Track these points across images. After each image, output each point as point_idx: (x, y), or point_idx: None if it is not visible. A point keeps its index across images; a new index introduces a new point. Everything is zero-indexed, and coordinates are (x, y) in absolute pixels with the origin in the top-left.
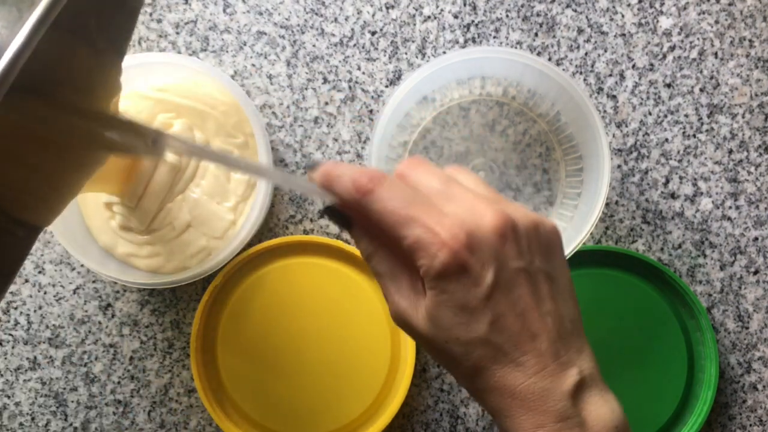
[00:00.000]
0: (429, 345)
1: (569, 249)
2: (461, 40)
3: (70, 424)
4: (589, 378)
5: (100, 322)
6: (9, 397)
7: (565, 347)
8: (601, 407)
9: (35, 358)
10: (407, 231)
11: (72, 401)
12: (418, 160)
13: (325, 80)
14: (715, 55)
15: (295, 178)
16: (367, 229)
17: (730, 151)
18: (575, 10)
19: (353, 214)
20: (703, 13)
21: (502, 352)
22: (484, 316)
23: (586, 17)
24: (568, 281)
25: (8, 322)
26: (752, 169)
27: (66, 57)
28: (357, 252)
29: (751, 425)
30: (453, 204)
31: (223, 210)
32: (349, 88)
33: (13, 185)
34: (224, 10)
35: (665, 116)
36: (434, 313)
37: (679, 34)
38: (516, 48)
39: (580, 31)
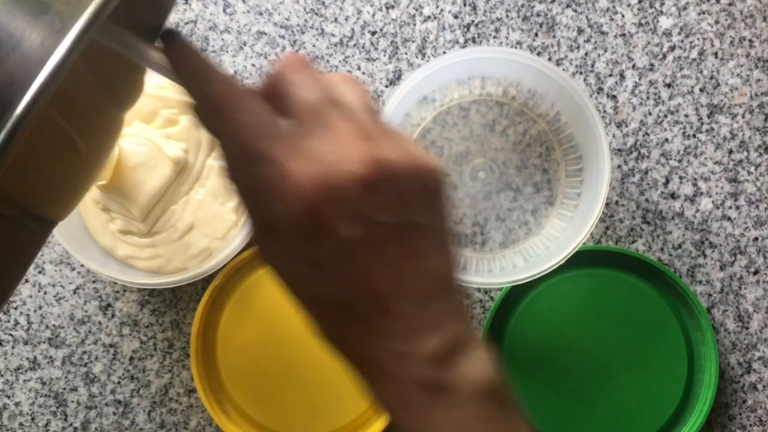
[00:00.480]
0: (286, 289)
1: (569, 249)
2: (461, 40)
3: (70, 424)
4: (461, 338)
5: (100, 322)
6: (9, 397)
7: (434, 308)
8: (474, 368)
9: (35, 358)
10: (258, 167)
11: (72, 401)
12: (301, 61)
13: None
14: (715, 55)
15: (146, 50)
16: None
17: (730, 151)
18: (575, 10)
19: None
20: (703, 13)
21: (359, 314)
22: (337, 273)
23: (586, 17)
24: (446, 232)
25: (8, 322)
26: (752, 169)
27: (93, 53)
28: None
29: (751, 425)
30: (319, 138)
31: (226, 211)
32: None
33: (31, 178)
34: (224, 10)
35: (665, 116)
36: (281, 261)
37: (679, 34)
38: (516, 48)
39: (580, 31)
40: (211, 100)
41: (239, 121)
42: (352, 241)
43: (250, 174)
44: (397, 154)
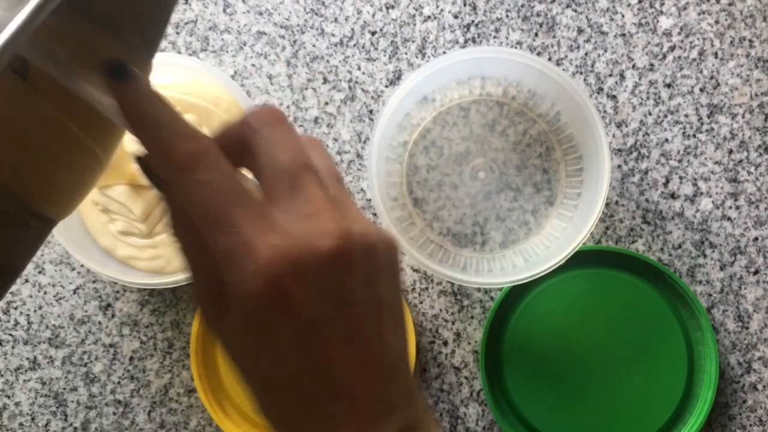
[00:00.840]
0: (232, 365)
1: (569, 249)
2: (461, 40)
3: (70, 424)
4: (417, 421)
5: (100, 322)
6: (9, 397)
7: (392, 388)
8: None
9: (35, 358)
10: (218, 235)
11: (72, 401)
12: (277, 117)
13: (325, 80)
14: (715, 55)
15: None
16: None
17: (730, 151)
18: (575, 10)
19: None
20: (703, 13)
21: (315, 398)
22: (296, 355)
23: (586, 17)
24: (401, 307)
25: (8, 322)
26: (752, 169)
27: (96, 50)
28: None
29: (751, 425)
30: (291, 207)
31: None
32: (349, 88)
33: (32, 175)
34: (224, 10)
35: (665, 116)
36: (231, 336)
37: (679, 34)
38: (516, 48)
39: (580, 31)
40: (174, 156)
41: (205, 183)
42: (316, 321)
43: (209, 240)
44: (363, 227)
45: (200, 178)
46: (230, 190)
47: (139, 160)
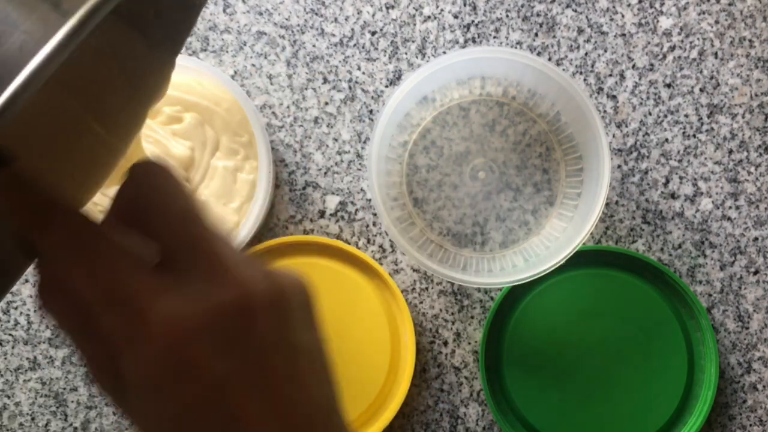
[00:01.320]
0: None
1: (569, 249)
2: (461, 40)
3: (70, 424)
4: None
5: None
6: (9, 397)
7: None
8: None
9: (35, 358)
10: (108, 308)
11: (72, 401)
12: (162, 174)
13: (325, 80)
14: (715, 55)
15: None
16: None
17: (730, 151)
18: (575, 10)
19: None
20: (703, 13)
21: None
22: (203, 420)
23: (586, 17)
24: (322, 349)
25: (8, 322)
26: (752, 169)
27: (120, 47)
28: (357, 253)
29: (751, 425)
30: (185, 273)
31: (228, 212)
32: (349, 88)
33: (49, 170)
34: (224, 10)
35: (665, 116)
36: (142, 413)
37: (679, 34)
38: (516, 48)
39: (580, 31)
40: (59, 240)
41: (97, 260)
42: (222, 379)
43: (98, 314)
44: (265, 274)
45: (91, 255)
46: (126, 265)
47: (16, 233)
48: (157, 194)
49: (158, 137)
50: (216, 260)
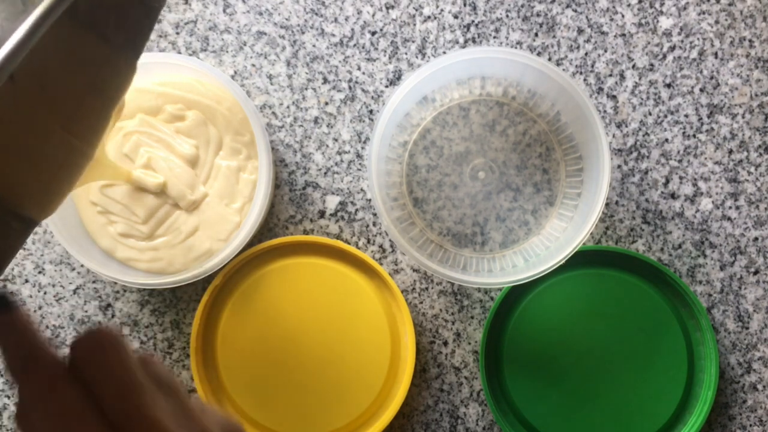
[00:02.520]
0: None
1: (569, 249)
2: (461, 40)
3: None
4: None
5: (100, 322)
6: (9, 397)
7: None
8: None
9: None
10: None
11: None
12: (102, 345)
13: (325, 80)
14: (715, 55)
15: None
16: None
17: (730, 151)
18: (575, 10)
19: None
20: (703, 13)
21: None
22: None
23: (586, 17)
24: None
25: None
26: (752, 169)
27: (81, 51)
28: (357, 253)
29: (751, 425)
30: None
31: (230, 212)
32: (349, 88)
33: (14, 176)
34: (224, 10)
35: (665, 116)
36: None
37: (679, 34)
38: (516, 48)
39: (580, 31)
40: (32, 384)
41: (56, 411)
42: None
43: None
44: (220, 426)
45: (49, 400)
46: (74, 415)
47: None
48: (96, 369)
49: (163, 135)
50: (161, 427)
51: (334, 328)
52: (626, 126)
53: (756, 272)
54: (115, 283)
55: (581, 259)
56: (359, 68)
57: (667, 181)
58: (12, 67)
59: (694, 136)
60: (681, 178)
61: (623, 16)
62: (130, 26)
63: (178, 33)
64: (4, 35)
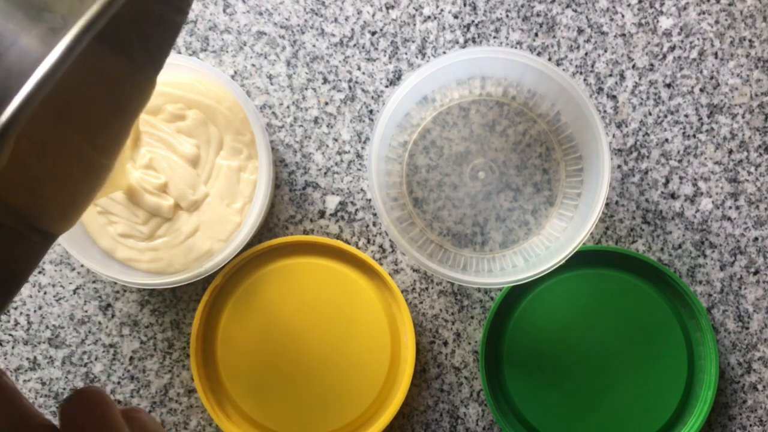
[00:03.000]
0: None
1: (569, 249)
2: (461, 40)
3: None
4: None
5: (100, 322)
6: None
7: None
8: None
9: (35, 358)
10: None
11: None
12: (89, 403)
13: (325, 80)
14: (715, 55)
15: None
16: None
17: (730, 151)
18: (575, 10)
19: None
20: (703, 13)
21: None
22: None
23: (586, 17)
24: None
25: (8, 322)
26: (752, 169)
27: (104, 69)
28: (357, 253)
29: (751, 425)
30: None
31: (231, 212)
32: (349, 88)
33: (36, 191)
34: (224, 10)
35: (665, 116)
36: None
37: (679, 34)
38: (516, 48)
39: (580, 31)
40: None
41: None
42: None
43: None
44: None
45: None
46: None
47: None
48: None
49: (163, 135)
50: None
51: (334, 328)
52: (626, 126)
53: (756, 272)
54: (115, 283)
55: (581, 259)
56: (359, 68)
57: (667, 181)
58: (52, 83)
59: (694, 136)
60: (681, 178)
61: (623, 16)
62: (153, 43)
63: None
64: (45, 51)
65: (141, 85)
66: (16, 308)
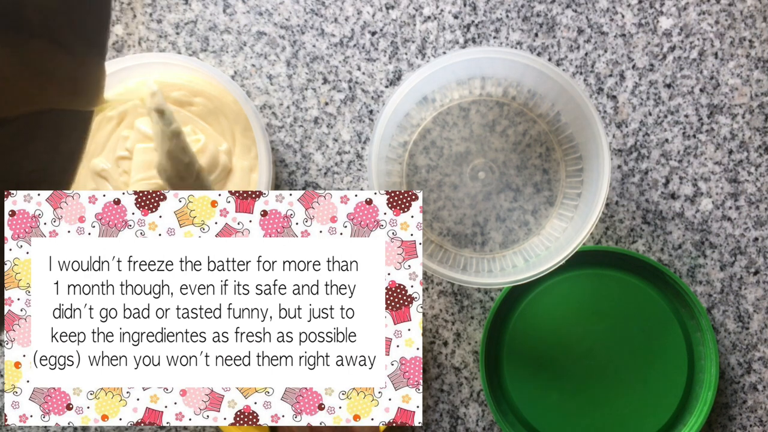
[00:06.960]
0: None
1: (569, 249)
2: (461, 40)
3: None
4: None
5: None
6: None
7: None
8: None
9: None
10: None
11: None
12: None
13: (325, 80)
14: (715, 55)
15: None
16: None
17: (730, 152)
18: (575, 11)
19: None
20: (703, 13)
21: None
22: None
23: (586, 17)
24: None
25: None
26: (752, 169)
27: (42, 63)
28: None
29: (751, 426)
30: None
31: None
32: (349, 88)
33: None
34: (224, 11)
35: (665, 116)
36: None
37: (679, 34)
38: (516, 48)
39: (580, 31)
40: None
41: None
42: None
43: None
44: None
45: None
46: None
47: None
48: None
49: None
50: None
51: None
52: (626, 126)
53: (756, 272)
54: None
55: (581, 259)
56: (359, 68)
57: (667, 182)
58: None
59: (694, 136)
60: (681, 178)
61: (623, 16)
62: (86, 24)
63: (178, 33)
64: None
65: (91, 74)
66: None
